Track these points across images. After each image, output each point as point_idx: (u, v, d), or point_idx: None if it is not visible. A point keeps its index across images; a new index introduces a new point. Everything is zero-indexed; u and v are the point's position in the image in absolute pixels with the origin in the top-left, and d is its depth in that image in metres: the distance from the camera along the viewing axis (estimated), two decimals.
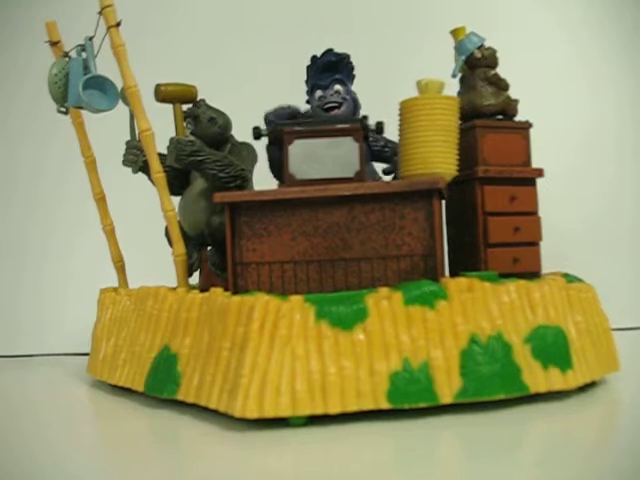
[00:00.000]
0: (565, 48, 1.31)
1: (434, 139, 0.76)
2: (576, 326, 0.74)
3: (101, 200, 0.97)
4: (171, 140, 0.83)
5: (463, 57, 0.86)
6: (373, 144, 0.91)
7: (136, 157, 0.89)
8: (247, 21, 1.32)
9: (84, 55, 0.89)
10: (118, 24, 0.83)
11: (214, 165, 0.82)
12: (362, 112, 0.88)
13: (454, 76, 0.88)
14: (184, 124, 0.87)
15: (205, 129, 0.88)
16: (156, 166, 0.84)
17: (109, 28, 0.83)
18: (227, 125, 0.91)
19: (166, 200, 0.85)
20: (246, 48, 1.31)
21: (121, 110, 0.90)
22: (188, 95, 0.87)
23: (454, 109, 0.78)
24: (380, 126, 0.82)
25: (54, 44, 0.92)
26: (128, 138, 0.92)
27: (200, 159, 0.82)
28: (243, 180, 0.85)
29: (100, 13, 0.83)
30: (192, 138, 0.84)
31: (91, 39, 0.88)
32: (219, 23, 1.33)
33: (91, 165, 0.96)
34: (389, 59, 1.27)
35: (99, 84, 0.88)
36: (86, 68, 0.88)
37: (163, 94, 0.84)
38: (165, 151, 0.86)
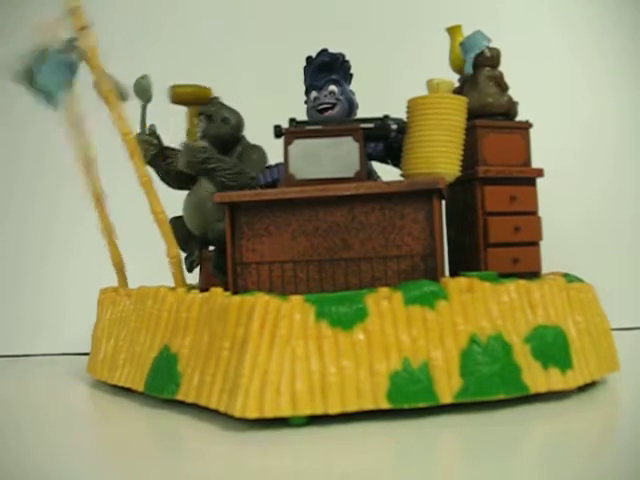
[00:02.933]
0: (565, 48, 1.31)
1: (439, 139, 0.76)
2: (576, 326, 0.74)
3: (100, 201, 0.96)
4: (183, 145, 0.83)
5: (473, 53, 0.85)
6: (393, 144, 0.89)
7: (146, 150, 0.89)
8: (249, 21, 1.33)
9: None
10: (87, 26, 0.81)
11: (224, 173, 0.82)
12: (363, 112, 0.88)
13: (468, 73, 0.87)
14: (201, 125, 0.86)
15: (217, 128, 0.88)
16: (142, 170, 0.84)
17: (78, 31, 0.81)
18: (239, 125, 0.90)
19: (155, 203, 0.85)
20: (248, 48, 1.31)
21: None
22: (203, 97, 0.85)
23: (462, 109, 0.78)
24: (403, 125, 0.80)
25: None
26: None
27: (211, 167, 0.82)
28: (252, 188, 0.86)
29: (68, 15, 0.81)
30: (204, 144, 0.84)
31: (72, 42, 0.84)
32: (221, 23, 1.33)
33: (88, 166, 0.95)
34: (388, 58, 1.27)
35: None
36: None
37: (178, 96, 0.83)
38: (166, 144, 0.86)
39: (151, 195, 0.85)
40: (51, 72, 0.84)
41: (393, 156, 0.87)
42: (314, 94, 0.85)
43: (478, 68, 0.86)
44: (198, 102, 0.85)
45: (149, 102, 0.88)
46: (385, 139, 0.80)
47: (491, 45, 0.86)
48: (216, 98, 0.89)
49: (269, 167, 0.93)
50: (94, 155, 0.96)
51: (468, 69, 0.86)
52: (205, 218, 0.88)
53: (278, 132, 0.80)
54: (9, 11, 1.33)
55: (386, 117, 0.80)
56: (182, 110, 0.87)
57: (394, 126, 0.80)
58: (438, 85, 0.78)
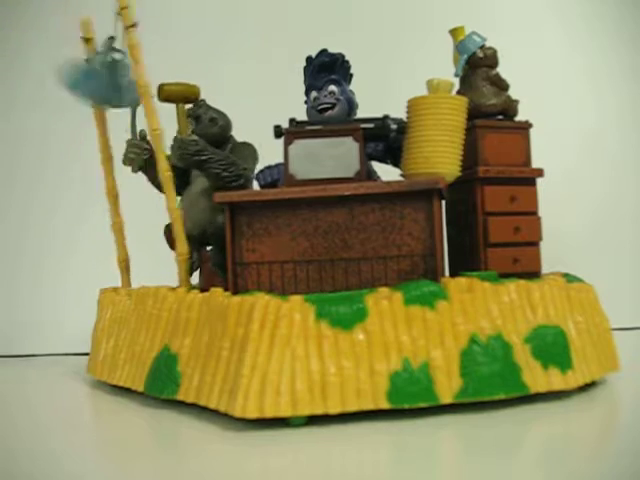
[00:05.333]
0: (565, 47, 1.31)
1: (439, 139, 0.76)
2: (576, 326, 0.74)
3: (114, 197, 0.96)
4: (175, 139, 0.83)
5: (465, 57, 0.86)
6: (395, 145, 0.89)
7: (136, 156, 0.89)
8: (246, 20, 1.32)
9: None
10: (135, 25, 0.83)
11: (217, 164, 0.83)
12: (363, 112, 0.88)
13: (457, 75, 0.88)
14: (187, 123, 0.86)
15: (206, 129, 0.89)
16: (164, 165, 0.85)
17: (127, 28, 0.84)
18: (227, 125, 0.91)
19: (172, 199, 0.85)
20: (245, 48, 1.31)
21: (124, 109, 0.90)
22: (191, 94, 0.87)
23: (462, 110, 0.78)
24: (403, 125, 0.80)
25: (87, 41, 0.92)
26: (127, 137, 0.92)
27: (204, 158, 0.82)
28: (245, 179, 0.86)
29: (119, 14, 0.84)
30: (195, 137, 0.84)
31: (111, 38, 0.87)
32: (218, 23, 1.33)
33: (107, 162, 0.96)
34: (388, 58, 1.27)
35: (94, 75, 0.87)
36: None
37: (166, 93, 0.84)
38: (167, 150, 0.86)
39: (169, 192, 0.85)
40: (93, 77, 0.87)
41: (393, 156, 0.87)
42: (314, 94, 0.85)
43: (473, 69, 0.86)
44: (186, 100, 0.86)
45: (137, 107, 0.88)
46: (385, 139, 0.81)
47: (488, 45, 0.86)
48: (202, 100, 0.90)
49: (269, 167, 0.93)
50: (111, 153, 0.96)
51: (457, 71, 0.87)
52: (202, 215, 0.88)
53: (278, 132, 0.80)
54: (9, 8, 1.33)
55: (386, 117, 0.80)
56: (172, 115, 0.88)
57: (394, 126, 0.80)
58: (438, 85, 0.78)
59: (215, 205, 0.84)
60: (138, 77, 0.84)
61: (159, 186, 0.93)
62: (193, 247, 0.91)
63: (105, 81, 0.88)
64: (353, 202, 0.74)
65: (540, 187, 0.85)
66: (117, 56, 0.88)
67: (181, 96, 0.85)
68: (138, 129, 0.91)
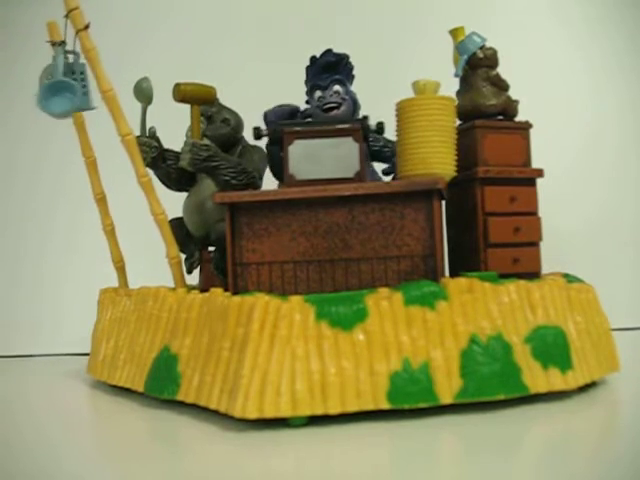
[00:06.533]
0: (566, 48, 1.32)
1: (433, 139, 0.76)
2: (576, 326, 0.74)
3: (101, 200, 0.96)
4: (186, 143, 0.83)
5: (465, 57, 0.86)
6: (372, 144, 0.91)
7: (145, 153, 0.89)
8: (246, 20, 1.33)
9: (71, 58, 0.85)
10: (87, 27, 0.81)
11: (227, 172, 0.83)
12: (361, 112, 0.88)
13: (457, 76, 0.88)
14: (201, 126, 0.86)
15: (217, 129, 0.88)
16: (141, 171, 0.84)
17: (77, 32, 0.81)
18: (239, 126, 0.91)
19: (155, 204, 0.85)
20: (244, 48, 1.31)
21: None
22: (207, 96, 0.85)
23: (451, 109, 0.79)
24: (381, 126, 0.82)
25: (56, 44, 0.91)
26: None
27: (214, 165, 0.82)
28: (254, 188, 0.86)
29: (67, 17, 0.81)
30: (208, 142, 0.84)
31: (61, 44, 0.85)
32: (218, 22, 1.33)
33: (92, 165, 0.96)
34: (388, 59, 1.27)
35: (65, 87, 0.84)
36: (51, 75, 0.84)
37: (182, 94, 0.83)
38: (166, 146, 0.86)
39: (151, 196, 0.85)
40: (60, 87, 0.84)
41: (373, 156, 0.89)
42: (318, 93, 0.85)
43: (474, 69, 0.86)
44: (202, 101, 0.85)
45: (149, 104, 0.88)
46: (364, 139, 0.81)
47: (488, 45, 0.86)
48: (216, 100, 0.89)
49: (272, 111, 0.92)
50: (95, 156, 0.96)
51: (457, 72, 0.87)
52: (206, 218, 0.88)
53: (257, 134, 0.80)
54: (9, 10, 1.33)
55: (365, 117, 0.81)
56: (181, 112, 0.87)
57: (373, 127, 0.81)
58: (425, 86, 0.78)
59: (220, 208, 0.84)
60: (100, 82, 0.81)
61: (168, 183, 0.93)
62: (195, 247, 0.91)
63: (76, 88, 0.84)
64: (353, 202, 0.74)
65: (540, 187, 0.85)
66: (71, 59, 0.85)
67: (197, 97, 0.84)
68: (148, 126, 0.90)
